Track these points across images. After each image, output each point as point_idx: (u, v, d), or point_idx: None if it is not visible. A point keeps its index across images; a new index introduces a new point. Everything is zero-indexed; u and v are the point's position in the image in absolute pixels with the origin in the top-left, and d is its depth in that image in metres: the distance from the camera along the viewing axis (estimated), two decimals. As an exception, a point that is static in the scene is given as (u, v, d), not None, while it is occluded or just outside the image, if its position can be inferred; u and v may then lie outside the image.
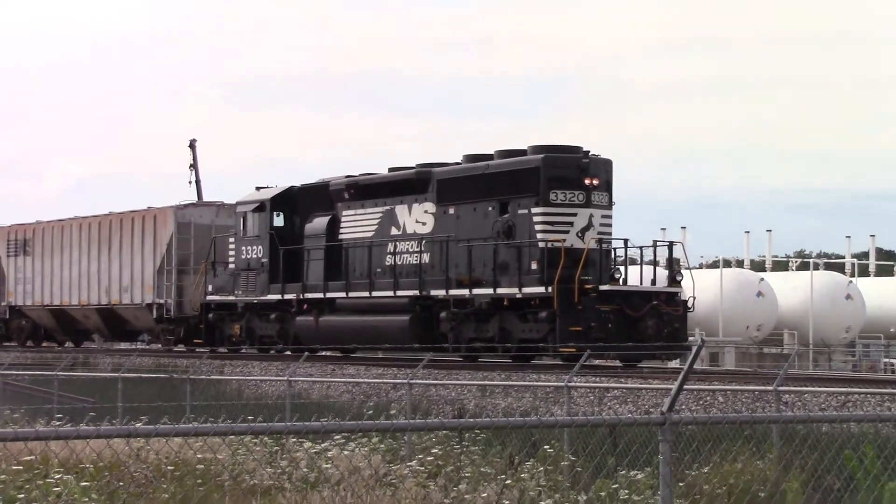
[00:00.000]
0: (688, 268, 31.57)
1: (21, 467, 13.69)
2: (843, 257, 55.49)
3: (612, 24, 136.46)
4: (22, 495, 12.64)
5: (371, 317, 31.50)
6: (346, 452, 15.31)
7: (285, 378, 23.35)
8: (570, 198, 28.39)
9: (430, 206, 30.87)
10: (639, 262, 33.71)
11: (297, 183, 35.37)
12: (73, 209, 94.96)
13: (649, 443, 13.74)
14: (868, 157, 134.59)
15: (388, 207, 31.94)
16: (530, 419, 10.03)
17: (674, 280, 28.93)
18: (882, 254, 66.76)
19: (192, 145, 50.26)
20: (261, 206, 35.20)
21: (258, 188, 36.31)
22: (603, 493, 12.99)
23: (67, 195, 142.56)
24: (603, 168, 28.97)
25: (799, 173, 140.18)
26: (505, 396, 24.40)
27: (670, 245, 30.21)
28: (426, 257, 30.69)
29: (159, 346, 41.93)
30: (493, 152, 30.20)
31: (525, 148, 29.46)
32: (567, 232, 28.18)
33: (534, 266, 28.20)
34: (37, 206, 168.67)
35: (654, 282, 30.27)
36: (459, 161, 31.03)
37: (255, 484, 13.87)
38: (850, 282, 45.06)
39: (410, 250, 31.16)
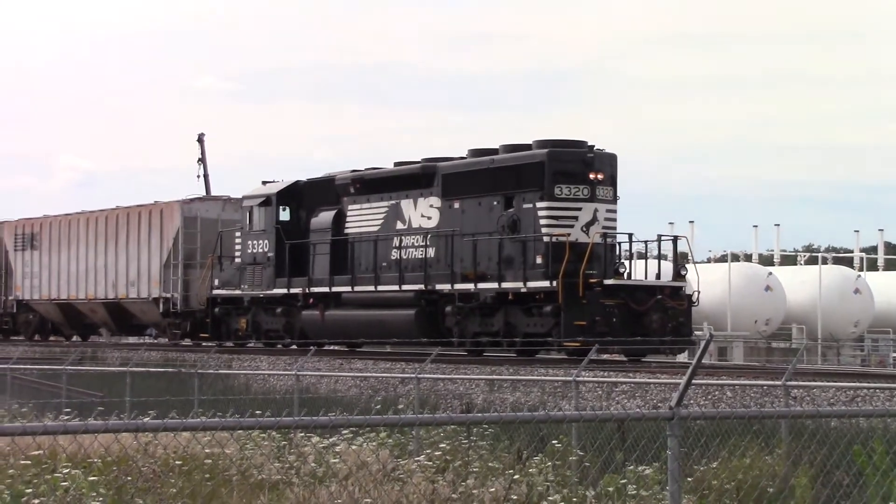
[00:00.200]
0: (693, 262, 31.55)
1: (29, 462, 13.71)
2: (852, 251, 55.39)
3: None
4: (30, 490, 12.65)
5: (376, 311, 31.51)
6: (354, 447, 15.31)
7: (293, 372, 23.39)
8: (575, 192, 28.37)
9: (435, 201, 30.87)
10: (644, 256, 33.67)
11: (303, 177, 35.41)
12: (80, 203, 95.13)
13: (657, 438, 13.73)
14: (877, 151, 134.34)
15: (393, 202, 31.93)
16: (538, 414, 10.01)
17: (678, 274, 28.91)
18: (891, 248, 66.57)
19: (200, 140, 50.22)
20: (267, 201, 35.20)
21: (264, 182, 36.30)
22: (611, 489, 12.97)
23: (74, 189, 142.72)
24: (608, 162, 28.95)
25: (807, 167, 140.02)
26: (513, 391, 24.40)
27: (675, 239, 30.24)
28: (431, 251, 30.68)
29: (166, 340, 41.98)
30: (498, 147, 30.21)
31: (530, 142, 29.45)
32: (572, 226, 28.14)
33: (538, 260, 28.18)
34: (44, 201, 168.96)
35: (658, 276, 30.23)
36: (465, 155, 31.03)
37: (263, 478, 13.87)
38: (859, 276, 44.92)
39: (416, 244, 31.15)
